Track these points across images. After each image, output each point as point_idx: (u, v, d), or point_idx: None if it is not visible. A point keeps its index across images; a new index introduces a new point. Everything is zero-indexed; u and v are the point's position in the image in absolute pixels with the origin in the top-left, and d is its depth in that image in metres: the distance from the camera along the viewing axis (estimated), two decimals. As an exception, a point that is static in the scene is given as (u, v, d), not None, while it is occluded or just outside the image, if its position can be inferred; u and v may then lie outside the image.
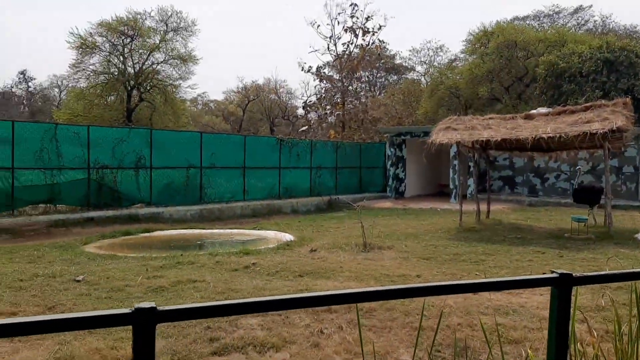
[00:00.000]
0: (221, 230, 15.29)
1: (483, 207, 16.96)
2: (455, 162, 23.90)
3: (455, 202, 22.20)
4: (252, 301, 1.29)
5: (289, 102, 50.64)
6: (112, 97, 35.82)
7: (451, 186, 25.16)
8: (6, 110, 49.19)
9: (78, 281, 8.36)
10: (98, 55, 34.48)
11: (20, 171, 14.81)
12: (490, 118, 15.45)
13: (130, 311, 1.30)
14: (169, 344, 5.40)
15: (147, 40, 35.13)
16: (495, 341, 5.32)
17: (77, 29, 45.82)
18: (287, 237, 13.40)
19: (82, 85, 35.44)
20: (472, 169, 22.33)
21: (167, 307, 1.33)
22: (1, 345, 5.39)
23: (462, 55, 42.15)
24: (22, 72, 53.62)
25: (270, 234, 14.24)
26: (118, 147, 16.83)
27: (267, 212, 20.08)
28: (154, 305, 1.28)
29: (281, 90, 50.01)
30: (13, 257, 10.53)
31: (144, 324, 1.31)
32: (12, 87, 53.90)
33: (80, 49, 33.72)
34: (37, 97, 54.11)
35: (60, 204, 15.84)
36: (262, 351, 5.36)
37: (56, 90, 51.65)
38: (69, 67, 35.32)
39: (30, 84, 53.94)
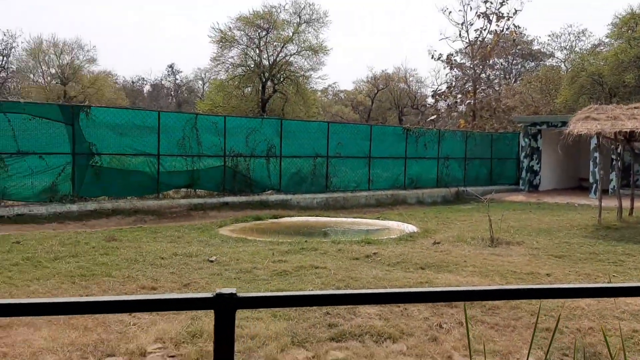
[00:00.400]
0: (345, 219, 15.52)
1: (626, 203, 15.58)
2: (596, 154, 22.16)
3: (595, 198, 20.61)
4: (330, 294, 1.31)
5: (419, 91, 49.82)
6: (249, 89, 37.53)
7: (591, 180, 23.39)
8: (156, 101, 53.42)
9: (211, 261, 8.93)
10: (236, 49, 36.29)
11: (165, 158, 16.14)
12: (635, 107, 14.11)
13: (212, 295, 1.36)
14: (290, 326, 5.60)
15: (281, 32, 36.31)
16: (630, 349, 4.91)
17: (218, 24, 48.53)
18: (410, 228, 13.29)
19: (221, 77, 37.55)
20: (614, 162, 20.56)
21: (247, 294, 1.39)
22: (142, 317, 5.91)
23: (606, 40, 38.78)
24: (171, 66, 57.82)
25: (393, 224, 14.20)
26: (251, 136, 17.71)
27: (391, 202, 20.03)
28: (234, 292, 1.35)
29: (411, 79, 49.36)
30: (157, 236, 11.49)
31: (224, 309, 1.36)
32: (161, 79, 58.36)
33: (220, 43, 35.70)
34: (184, 88, 58.04)
35: (199, 188, 17.03)
36: (379, 341, 5.38)
37: (200, 82, 55.14)
38: (210, 60, 37.62)
39: (177, 76, 58.02)
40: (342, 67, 77.89)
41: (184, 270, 8.32)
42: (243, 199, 16.97)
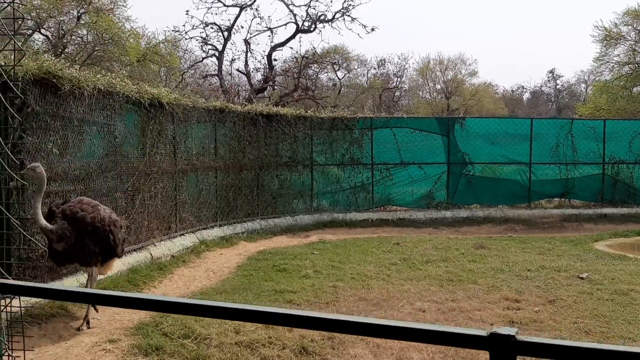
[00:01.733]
0: None
1: None
2: None
3: None
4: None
5: None
6: (638, 88, 33.53)
7: None
8: (535, 107, 52.27)
9: (582, 278, 8.35)
10: (623, 46, 32.80)
11: (537, 166, 15.74)
12: None
13: (486, 335, 1.24)
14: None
15: (679, 20, 31.20)
16: None
17: (601, 21, 44.61)
18: None
19: (605, 78, 34.51)
20: None
21: (527, 338, 1.21)
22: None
23: None
24: (551, 71, 55.76)
25: None
26: (636, 140, 15.78)
27: None
28: (513, 334, 1.20)
29: None
30: (525, 247, 11.27)
31: (500, 353, 1.23)
32: (541, 86, 56.74)
33: (605, 41, 32.79)
34: (564, 93, 55.37)
35: (573, 198, 16.06)
36: None
37: (582, 85, 51.72)
38: (593, 61, 34.86)
39: (558, 81, 55.60)
40: None
41: (551, 285, 7.99)
42: (624, 210, 15.28)
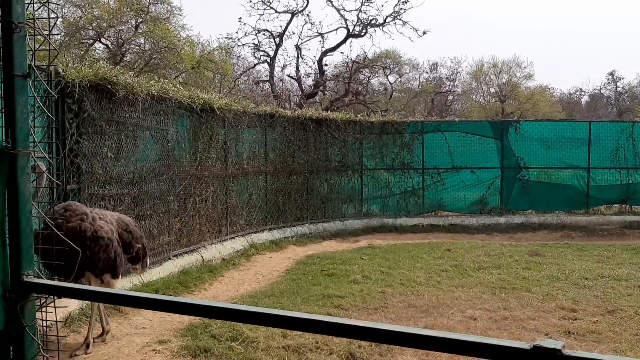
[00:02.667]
0: None
1: None
2: None
3: None
4: None
5: None
6: None
7: None
8: (594, 111, 50.35)
9: (644, 288, 7.98)
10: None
11: (595, 170, 15.11)
12: None
13: (529, 348, 1.16)
14: None
15: None
16: None
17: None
18: None
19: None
20: None
21: (575, 353, 1.10)
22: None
23: None
24: (611, 73, 53.63)
25: None
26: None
27: None
28: (559, 347, 1.10)
29: None
30: (583, 254, 10.86)
31: None
32: (600, 88, 54.67)
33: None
34: (625, 96, 53.16)
35: (634, 204, 15.34)
36: None
37: (644, 87, 49.57)
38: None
39: (618, 83, 53.42)
40: None
41: (610, 295, 7.67)
42: (692, 218, 14.45)
